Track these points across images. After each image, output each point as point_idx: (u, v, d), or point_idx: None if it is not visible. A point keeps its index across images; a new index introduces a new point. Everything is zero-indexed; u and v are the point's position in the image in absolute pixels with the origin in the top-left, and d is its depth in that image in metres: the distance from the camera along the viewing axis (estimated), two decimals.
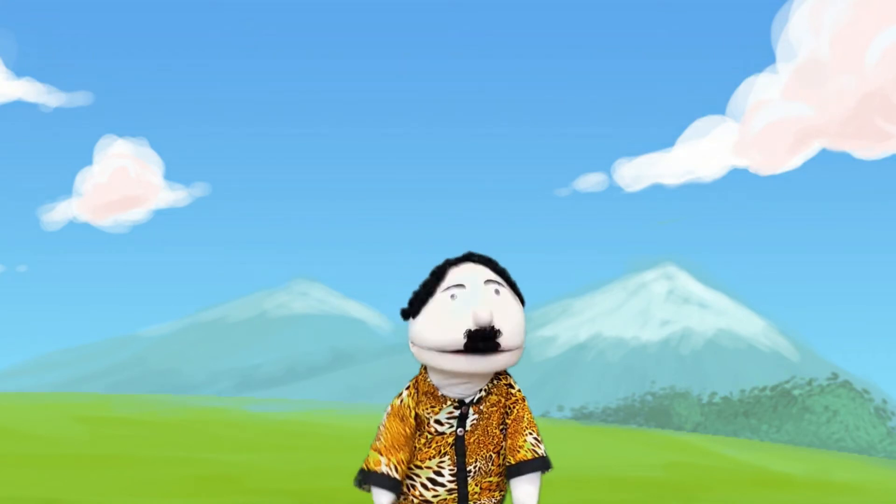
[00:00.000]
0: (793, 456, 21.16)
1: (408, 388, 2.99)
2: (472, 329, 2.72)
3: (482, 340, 2.73)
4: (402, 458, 2.93)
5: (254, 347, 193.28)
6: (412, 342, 2.88)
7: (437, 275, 2.88)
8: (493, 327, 2.73)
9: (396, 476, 2.92)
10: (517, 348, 2.83)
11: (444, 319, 2.78)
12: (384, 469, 2.91)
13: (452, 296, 2.80)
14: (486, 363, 2.79)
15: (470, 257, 2.94)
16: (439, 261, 2.98)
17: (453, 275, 2.86)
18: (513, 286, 2.93)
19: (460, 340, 2.73)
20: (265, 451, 14.49)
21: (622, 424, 69.58)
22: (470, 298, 2.78)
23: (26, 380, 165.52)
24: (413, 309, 2.88)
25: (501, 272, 2.93)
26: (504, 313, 2.79)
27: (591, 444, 18.57)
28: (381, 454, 2.93)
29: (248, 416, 21.65)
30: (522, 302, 2.93)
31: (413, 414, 2.95)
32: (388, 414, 2.99)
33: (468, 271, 2.87)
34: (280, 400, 48.54)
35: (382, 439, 2.96)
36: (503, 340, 2.76)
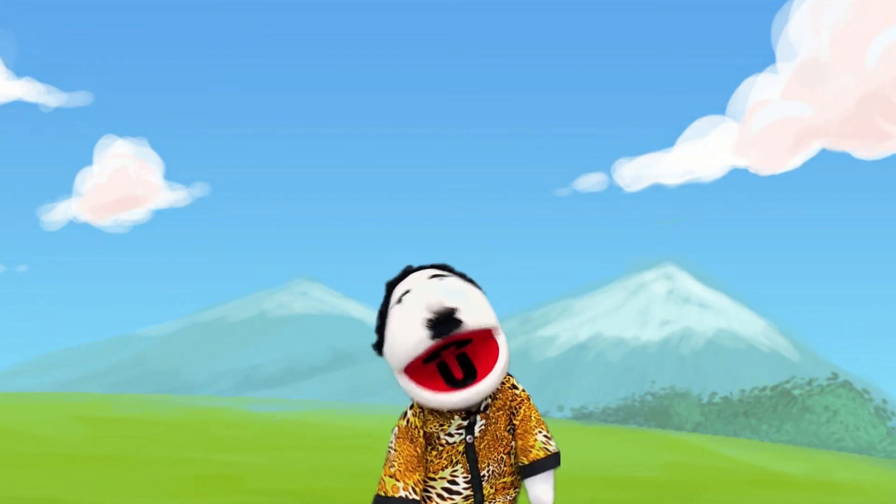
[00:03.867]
0: (793, 456, 21.15)
1: (412, 406, 2.93)
2: (429, 317, 2.68)
3: (443, 322, 2.68)
4: (418, 478, 2.89)
5: (254, 347, 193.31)
6: (395, 372, 2.81)
7: (386, 298, 2.87)
8: (447, 307, 2.69)
9: (416, 497, 2.87)
10: (484, 326, 2.77)
11: (403, 325, 2.74)
12: (402, 493, 2.85)
13: (399, 300, 2.78)
14: (472, 394, 2.74)
15: (409, 270, 2.92)
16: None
17: (398, 289, 2.84)
18: (462, 276, 2.90)
19: (423, 335, 2.68)
20: (265, 451, 14.49)
21: (622, 424, 69.66)
22: (417, 296, 2.75)
23: (26, 380, 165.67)
24: (379, 339, 2.84)
25: (444, 267, 2.91)
26: (455, 292, 2.76)
27: (591, 444, 18.56)
28: (398, 479, 2.86)
29: (248, 416, 21.67)
30: (478, 287, 2.88)
31: (421, 434, 2.91)
32: (396, 436, 2.93)
33: (410, 279, 2.86)
34: (280, 400, 48.59)
35: (396, 464, 2.89)
36: (463, 316, 2.70)
